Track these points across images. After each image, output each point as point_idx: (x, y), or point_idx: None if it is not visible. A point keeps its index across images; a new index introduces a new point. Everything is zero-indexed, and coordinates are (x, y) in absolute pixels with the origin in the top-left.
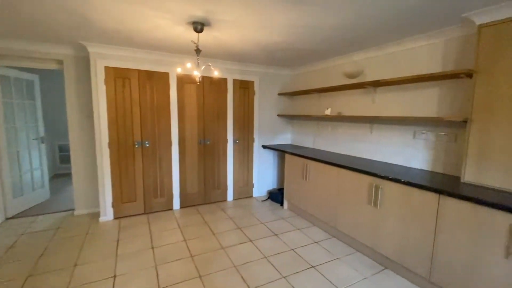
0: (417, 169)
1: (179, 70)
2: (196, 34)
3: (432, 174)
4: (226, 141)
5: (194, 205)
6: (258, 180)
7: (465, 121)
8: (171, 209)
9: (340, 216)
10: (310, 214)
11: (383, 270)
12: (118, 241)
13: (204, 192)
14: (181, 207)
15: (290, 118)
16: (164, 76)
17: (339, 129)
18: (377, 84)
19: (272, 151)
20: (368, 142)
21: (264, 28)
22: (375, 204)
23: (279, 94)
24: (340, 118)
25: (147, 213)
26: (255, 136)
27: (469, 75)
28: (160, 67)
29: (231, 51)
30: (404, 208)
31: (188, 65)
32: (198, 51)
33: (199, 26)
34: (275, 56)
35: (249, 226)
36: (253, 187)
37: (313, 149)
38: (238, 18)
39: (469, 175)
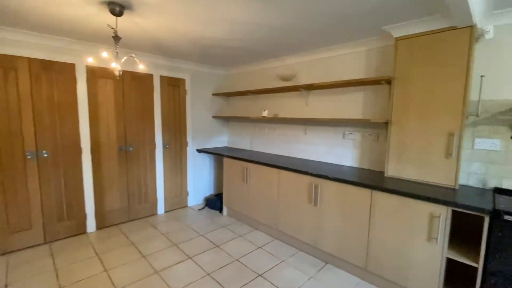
0: (348, 166)
1: (90, 60)
2: (114, 17)
3: (360, 170)
4: (154, 146)
5: (116, 224)
6: (194, 188)
7: (386, 123)
8: (85, 232)
9: (282, 218)
10: (252, 218)
11: (325, 265)
12: (6, 287)
13: (129, 207)
14: (98, 229)
15: (226, 119)
16: (69, 68)
17: (276, 131)
18: (310, 87)
19: (208, 155)
20: (303, 143)
21: (198, 20)
22: (315, 203)
23: (213, 94)
24: (276, 120)
25: (49, 242)
26: (189, 139)
27: (388, 81)
28: (63, 56)
29: (158, 42)
30: (342, 205)
31: (104, 54)
32: (117, 38)
33: (117, 8)
34: (208, 53)
35: (186, 241)
36: (187, 195)
37: (251, 151)
38: (166, 4)
39: (391, 170)
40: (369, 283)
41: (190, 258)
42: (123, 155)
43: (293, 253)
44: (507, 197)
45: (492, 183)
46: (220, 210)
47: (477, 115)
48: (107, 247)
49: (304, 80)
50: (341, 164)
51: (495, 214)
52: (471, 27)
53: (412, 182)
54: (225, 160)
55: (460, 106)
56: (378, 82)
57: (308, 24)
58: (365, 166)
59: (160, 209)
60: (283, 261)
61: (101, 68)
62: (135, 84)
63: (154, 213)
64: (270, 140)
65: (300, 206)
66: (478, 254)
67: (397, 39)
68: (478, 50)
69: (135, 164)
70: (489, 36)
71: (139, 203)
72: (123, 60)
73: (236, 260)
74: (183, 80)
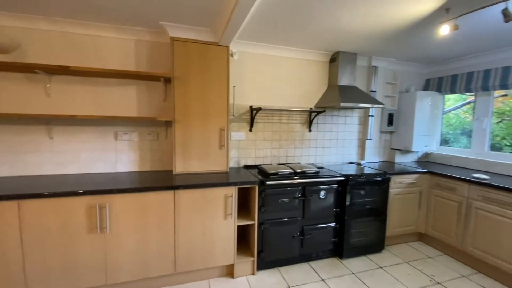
0: (127, 172)
1: None
2: None
3: (146, 173)
4: None
5: None
6: None
7: (169, 121)
8: None
9: (34, 275)
10: None
11: None
12: None
13: None
14: None
15: None
16: None
17: None
18: (63, 70)
19: None
20: (51, 152)
21: None
22: (102, 229)
23: None
24: None
25: None
26: None
27: (168, 79)
28: None
29: None
30: (140, 218)
31: None
32: None
33: None
34: None
35: None
36: None
37: None
38: None
39: (179, 167)
40: (179, 284)
41: None
42: None
43: None
44: (253, 170)
45: (242, 163)
46: None
47: (233, 115)
48: None
49: (37, 58)
50: (116, 171)
51: (261, 182)
52: (227, 47)
53: (199, 174)
54: None
55: (225, 107)
56: (157, 78)
57: None
58: (148, 168)
59: None
60: None
61: None
62: None
63: None
64: None
65: (74, 243)
66: (252, 214)
67: (173, 38)
68: (231, 67)
69: None
70: (236, 57)
71: None
72: None
73: None
74: None
